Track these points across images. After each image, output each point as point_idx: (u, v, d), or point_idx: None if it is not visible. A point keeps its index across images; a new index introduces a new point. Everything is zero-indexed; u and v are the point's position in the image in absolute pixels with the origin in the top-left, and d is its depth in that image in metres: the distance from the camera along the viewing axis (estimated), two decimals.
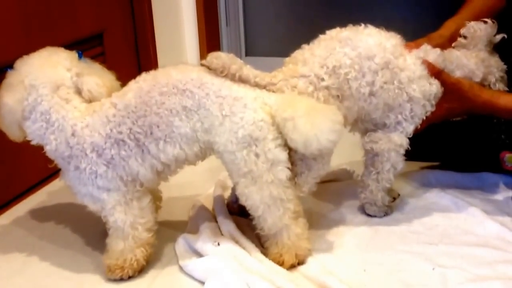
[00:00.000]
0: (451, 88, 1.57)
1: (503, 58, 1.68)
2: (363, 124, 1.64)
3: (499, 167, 1.85)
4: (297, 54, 1.58)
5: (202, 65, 1.46)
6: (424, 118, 1.59)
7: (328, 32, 1.60)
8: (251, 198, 1.43)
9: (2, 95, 1.46)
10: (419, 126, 1.61)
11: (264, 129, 1.39)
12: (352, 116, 1.58)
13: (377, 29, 1.58)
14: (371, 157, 1.67)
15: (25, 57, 1.50)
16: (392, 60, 1.53)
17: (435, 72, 1.57)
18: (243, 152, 1.39)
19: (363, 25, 1.59)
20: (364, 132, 1.67)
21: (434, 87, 1.57)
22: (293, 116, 1.36)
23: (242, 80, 1.45)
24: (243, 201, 1.46)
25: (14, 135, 1.50)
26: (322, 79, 1.50)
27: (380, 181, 1.67)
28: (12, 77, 1.47)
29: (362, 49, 1.52)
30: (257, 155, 1.39)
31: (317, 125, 1.34)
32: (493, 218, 1.65)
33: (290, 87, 1.50)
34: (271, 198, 1.42)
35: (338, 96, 1.52)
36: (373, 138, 1.63)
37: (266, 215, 1.44)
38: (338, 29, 1.59)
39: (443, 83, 1.57)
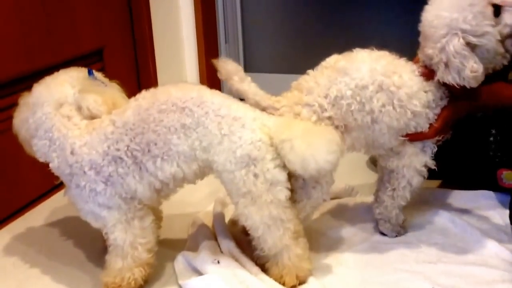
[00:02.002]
0: (461, 89, 1.53)
1: None
2: (374, 150, 1.63)
3: (496, 184, 1.85)
4: (303, 80, 1.56)
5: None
6: (432, 122, 1.55)
7: (327, 59, 1.57)
8: (251, 219, 1.42)
9: (14, 115, 1.52)
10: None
11: (262, 149, 1.37)
12: (360, 145, 1.57)
13: (367, 52, 1.55)
14: (388, 173, 1.66)
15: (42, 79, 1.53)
16: (384, 80, 1.49)
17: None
18: (242, 172, 1.38)
19: (355, 50, 1.56)
20: (378, 156, 1.68)
21: (430, 94, 1.53)
22: (290, 137, 1.35)
23: (240, 94, 1.47)
24: (243, 221, 1.45)
25: (30, 152, 1.53)
26: (325, 110, 1.49)
27: (395, 198, 1.66)
28: (22, 98, 1.51)
29: (359, 79, 1.49)
30: (256, 176, 1.38)
31: (313, 145, 1.33)
32: (491, 236, 1.65)
33: (293, 114, 1.49)
34: (270, 218, 1.40)
35: (342, 126, 1.50)
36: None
37: (266, 236, 1.43)
38: (335, 56, 1.57)
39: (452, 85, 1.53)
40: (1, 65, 1.85)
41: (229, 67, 1.50)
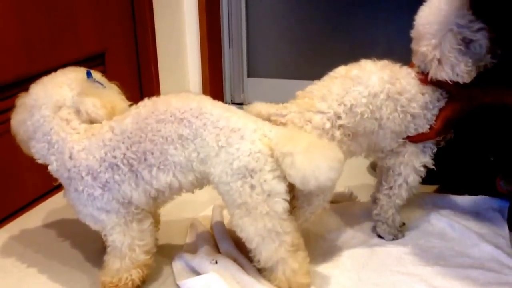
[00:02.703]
0: (458, 89, 1.55)
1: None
2: (374, 153, 1.65)
3: (495, 189, 1.86)
4: (313, 89, 1.56)
5: None
6: (432, 124, 1.58)
7: (336, 70, 1.59)
8: (245, 230, 1.41)
9: (12, 116, 1.52)
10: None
11: (260, 160, 1.35)
12: (362, 149, 1.59)
13: (372, 62, 1.58)
14: (385, 172, 1.68)
15: (38, 80, 1.52)
16: (391, 88, 1.52)
17: (438, 82, 1.55)
18: (238, 183, 1.36)
19: (362, 61, 1.58)
20: (377, 158, 1.69)
21: (426, 96, 1.56)
22: (291, 151, 1.32)
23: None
24: (238, 232, 1.44)
25: (27, 152, 1.52)
26: (339, 117, 1.49)
27: (391, 196, 1.67)
28: (19, 99, 1.51)
29: (371, 87, 1.51)
30: (252, 187, 1.36)
31: (315, 162, 1.30)
32: (488, 240, 1.66)
33: (303, 120, 1.49)
34: (265, 230, 1.38)
35: (349, 134, 1.51)
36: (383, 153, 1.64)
37: (261, 248, 1.42)
38: (343, 67, 1.58)
39: (449, 86, 1.54)
40: (3, 68, 1.86)
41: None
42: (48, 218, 1.95)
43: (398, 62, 1.61)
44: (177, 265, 1.60)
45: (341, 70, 1.58)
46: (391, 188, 1.67)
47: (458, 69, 1.47)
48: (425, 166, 1.63)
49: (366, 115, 1.51)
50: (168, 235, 1.75)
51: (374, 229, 1.75)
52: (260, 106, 1.53)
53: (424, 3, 1.54)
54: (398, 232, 1.72)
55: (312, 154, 1.32)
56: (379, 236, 1.73)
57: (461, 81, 1.49)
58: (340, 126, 1.50)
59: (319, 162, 1.30)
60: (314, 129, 1.48)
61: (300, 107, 1.51)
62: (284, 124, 1.49)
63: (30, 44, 1.97)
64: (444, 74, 1.49)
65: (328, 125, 1.48)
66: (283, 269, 1.44)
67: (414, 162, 1.62)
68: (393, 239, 1.71)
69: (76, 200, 1.46)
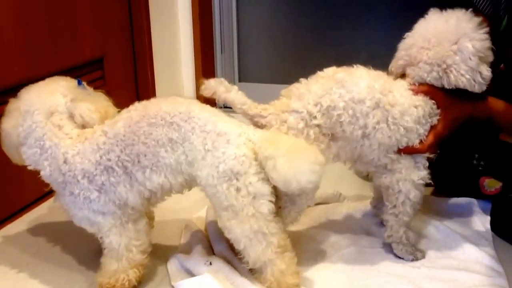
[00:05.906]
0: (448, 102, 1.51)
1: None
2: (363, 166, 1.58)
3: (478, 192, 1.84)
4: (293, 87, 1.51)
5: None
6: (423, 139, 1.51)
7: (325, 70, 1.52)
8: (233, 232, 1.38)
9: (1, 121, 1.47)
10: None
11: (245, 164, 1.33)
12: (345, 154, 1.51)
13: (366, 69, 1.51)
14: (385, 191, 1.59)
15: (28, 86, 1.48)
16: (381, 98, 1.46)
17: (430, 92, 1.50)
18: (224, 185, 1.34)
19: (355, 66, 1.52)
20: (369, 173, 1.63)
21: (420, 109, 1.49)
22: (273, 155, 1.30)
23: (229, 104, 1.44)
24: (225, 234, 1.41)
25: (14, 159, 1.48)
26: (314, 117, 1.44)
27: (398, 215, 1.57)
28: (12, 104, 1.47)
29: (355, 93, 1.45)
30: (238, 189, 1.34)
31: (296, 166, 1.29)
32: (472, 242, 1.63)
33: (279, 121, 1.45)
34: (252, 231, 1.36)
35: (329, 134, 1.46)
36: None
37: (249, 249, 1.39)
38: (334, 68, 1.52)
39: (439, 97, 1.51)
40: (6, 71, 1.84)
41: (212, 83, 1.45)
42: (45, 220, 1.91)
43: (380, 68, 1.55)
44: (172, 266, 1.57)
45: (329, 71, 1.52)
46: (395, 206, 1.56)
47: (481, 76, 1.44)
48: (422, 180, 1.54)
49: (343, 119, 1.44)
50: (163, 237, 1.72)
51: (362, 229, 1.71)
52: (214, 81, 1.46)
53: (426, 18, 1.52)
54: (416, 251, 1.61)
55: (293, 157, 1.30)
56: (396, 256, 1.62)
57: (479, 90, 1.45)
58: (317, 126, 1.45)
59: (300, 166, 1.29)
60: (289, 129, 1.44)
61: (277, 108, 1.47)
62: (265, 126, 1.46)
63: (33, 49, 1.94)
64: (465, 80, 1.44)
65: (301, 124, 1.44)
66: (271, 270, 1.41)
67: (412, 176, 1.53)
68: (412, 260, 1.60)
69: (72, 203, 1.42)
